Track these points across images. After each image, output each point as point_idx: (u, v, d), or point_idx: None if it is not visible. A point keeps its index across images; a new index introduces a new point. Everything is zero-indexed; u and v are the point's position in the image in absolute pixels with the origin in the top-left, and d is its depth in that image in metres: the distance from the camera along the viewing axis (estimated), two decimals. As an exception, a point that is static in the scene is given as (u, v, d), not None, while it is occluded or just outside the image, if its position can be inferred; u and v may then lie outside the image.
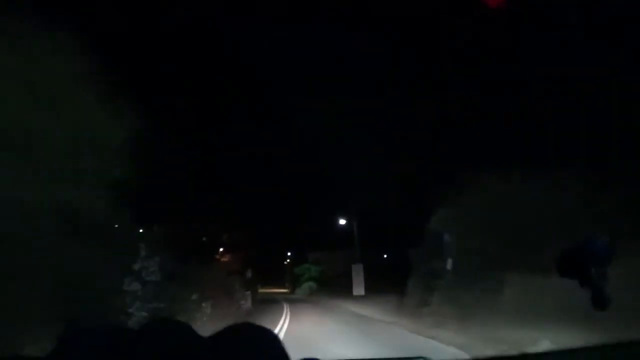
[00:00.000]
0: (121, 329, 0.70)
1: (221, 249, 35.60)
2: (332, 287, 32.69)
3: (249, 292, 27.47)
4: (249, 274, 38.63)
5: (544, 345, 6.64)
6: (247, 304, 25.87)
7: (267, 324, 0.74)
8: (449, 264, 12.39)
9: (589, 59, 7.87)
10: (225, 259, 40.05)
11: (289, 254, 53.12)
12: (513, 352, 5.33)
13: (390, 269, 28.01)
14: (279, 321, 16.28)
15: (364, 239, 29.37)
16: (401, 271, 24.90)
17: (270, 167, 38.97)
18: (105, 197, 8.20)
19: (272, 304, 29.56)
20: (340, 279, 31.16)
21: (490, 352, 7.16)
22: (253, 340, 0.70)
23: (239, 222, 40.15)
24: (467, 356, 7.50)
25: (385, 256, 32.28)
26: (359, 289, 27.41)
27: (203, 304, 14.86)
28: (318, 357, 1.22)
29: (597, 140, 8.56)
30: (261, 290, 49.44)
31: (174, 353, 0.64)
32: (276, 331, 12.88)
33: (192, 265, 15.64)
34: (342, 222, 32.07)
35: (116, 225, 9.87)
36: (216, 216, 36.34)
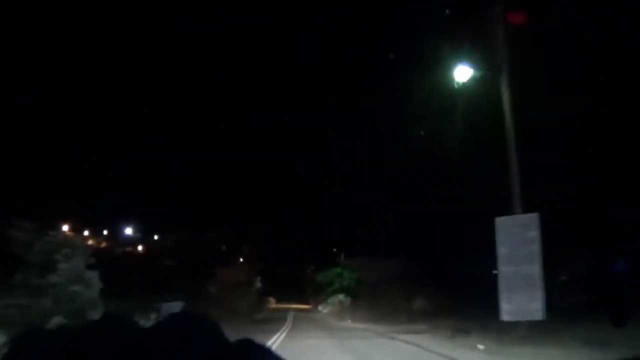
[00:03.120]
0: (69, 326, 0.75)
1: (241, 259, 34.69)
2: (375, 301, 21.32)
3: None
4: (257, 284, 32.18)
5: None
6: None
7: None
8: None
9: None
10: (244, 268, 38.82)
11: (312, 267, 42.51)
12: None
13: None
14: None
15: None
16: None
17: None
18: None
19: (256, 334, 10.27)
20: (388, 289, 21.01)
21: None
22: (192, 327, 0.72)
23: (262, 229, 39.03)
24: None
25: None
26: (529, 302, 8.63)
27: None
28: None
29: None
30: (274, 306, 41.25)
31: (119, 344, 0.69)
32: None
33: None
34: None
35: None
36: (240, 225, 35.27)
